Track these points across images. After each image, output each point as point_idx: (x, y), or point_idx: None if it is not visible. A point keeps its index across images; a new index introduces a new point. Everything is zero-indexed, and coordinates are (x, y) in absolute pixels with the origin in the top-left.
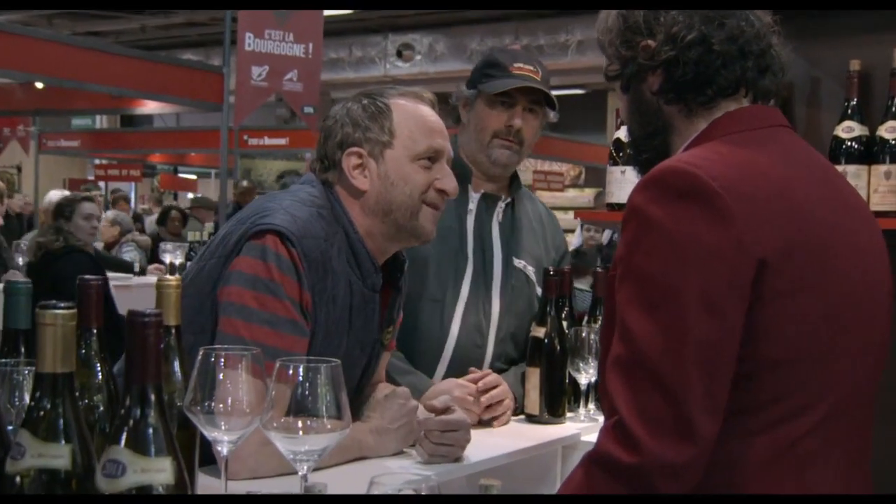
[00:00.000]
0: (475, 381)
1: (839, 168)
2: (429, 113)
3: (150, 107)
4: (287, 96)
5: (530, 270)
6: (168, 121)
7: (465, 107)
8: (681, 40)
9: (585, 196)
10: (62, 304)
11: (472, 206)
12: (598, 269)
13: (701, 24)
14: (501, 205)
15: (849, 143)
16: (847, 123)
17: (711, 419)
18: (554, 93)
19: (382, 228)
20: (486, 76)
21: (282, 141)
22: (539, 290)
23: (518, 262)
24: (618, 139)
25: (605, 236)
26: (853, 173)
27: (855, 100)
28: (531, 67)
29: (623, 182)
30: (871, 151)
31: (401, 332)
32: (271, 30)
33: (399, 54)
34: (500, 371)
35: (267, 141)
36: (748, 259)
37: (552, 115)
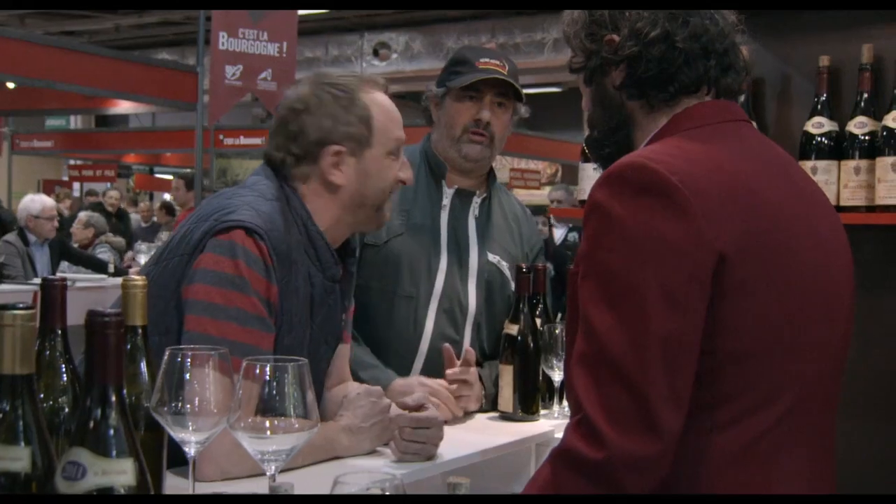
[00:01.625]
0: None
1: (809, 163)
2: (391, 103)
3: (124, 106)
4: (261, 95)
5: (504, 266)
6: (144, 120)
7: (436, 105)
8: (644, 36)
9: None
10: (21, 305)
11: (447, 201)
12: (571, 268)
13: (665, 21)
14: (477, 200)
15: (819, 139)
16: (817, 119)
17: (675, 413)
18: (530, 91)
19: (350, 220)
20: (454, 73)
21: (257, 140)
22: (513, 286)
23: (492, 257)
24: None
25: (559, 234)
26: (823, 168)
27: (825, 95)
28: (497, 62)
29: (595, 179)
30: (840, 147)
31: (374, 328)
32: (245, 29)
33: (375, 53)
34: (477, 365)
35: (243, 140)
36: (708, 253)
37: (523, 111)
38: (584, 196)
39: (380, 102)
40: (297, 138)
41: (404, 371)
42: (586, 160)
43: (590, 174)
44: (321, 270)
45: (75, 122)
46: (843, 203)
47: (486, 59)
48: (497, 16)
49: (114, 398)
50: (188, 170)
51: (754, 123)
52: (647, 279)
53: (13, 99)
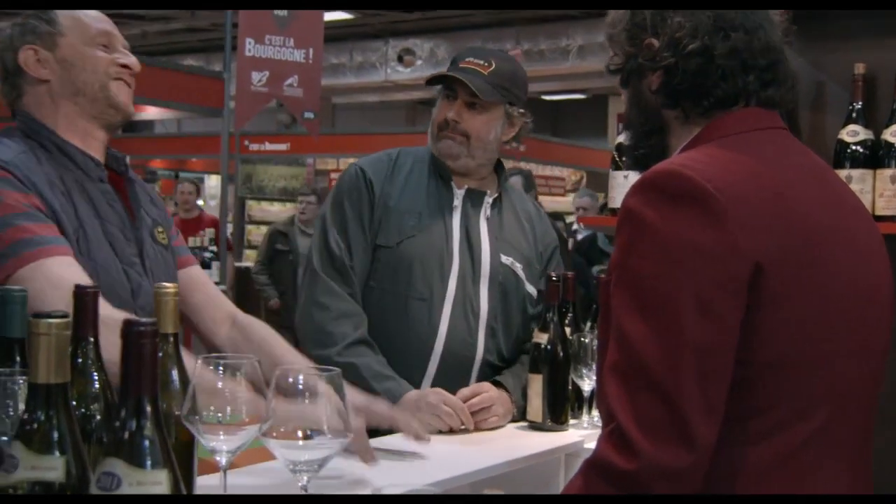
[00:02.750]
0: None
1: (844, 172)
2: (90, 10)
3: (151, 112)
4: (287, 101)
5: (518, 267)
6: (169, 126)
7: (432, 106)
8: (682, 48)
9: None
10: (56, 313)
11: (458, 202)
12: (600, 276)
13: (705, 33)
14: (489, 200)
15: (854, 147)
16: (852, 127)
17: (710, 423)
18: (554, 97)
19: (77, 109)
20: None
21: (282, 146)
22: (528, 287)
23: (505, 259)
24: (620, 144)
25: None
26: (858, 177)
27: (860, 103)
28: (480, 62)
29: (626, 187)
30: (876, 155)
31: (388, 331)
32: (271, 35)
33: (400, 59)
34: (493, 368)
35: (268, 146)
36: (743, 261)
37: (516, 111)
38: (615, 204)
39: (67, 11)
40: (4, 67)
41: (419, 373)
42: (616, 168)
43: (620, 182)
44: (86, 174)
45: None
46: (878, 213)
47: (470, 59)
48: (522, 22)
49: (149, 409)
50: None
51: None
52: (680, 287)
53: None
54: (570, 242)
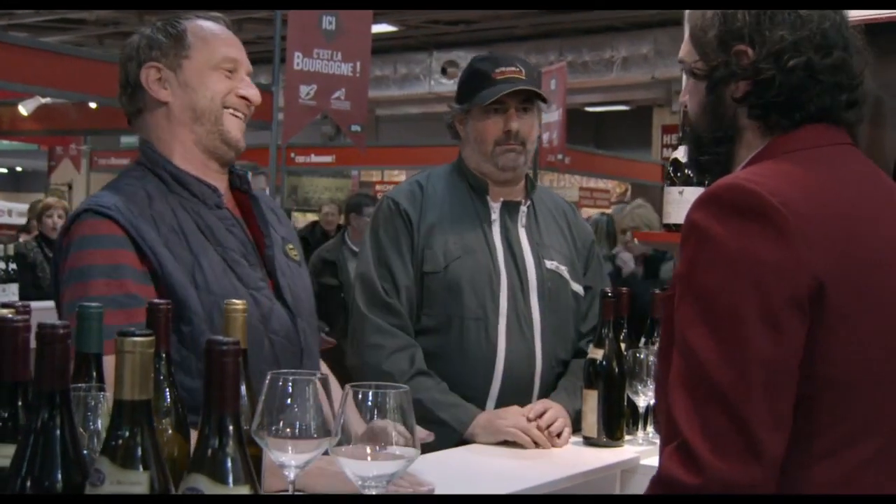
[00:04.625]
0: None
1: None
2: (223, 28)
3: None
4: (334, 115)
5: (563, 270)
6: None
7: (461, 123)
8: (785, 62)
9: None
10: (140, 332)
11: (496, 215)
12: (656, 292)
13: (810, 49)
14: (524, 209)
15: None
16: None
17: (777, 438)
18: (598, 109)
19: (193, 138)
20: (474, 89)
21: (328, 158)
22: (574, 286)
23: (550, 264)
24: (675, 159)
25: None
26: None
27: None
28: (514, 68)
29: (681, 203)
30: None
31: (448, 356)
32: (320, 49)
33: (444, 71)
34: (553, 376)
35: (314, 158)
36: (806, 277)
37: (545, 108)
38: (670, 220)
39: (199, 23)
40: (126, 78)
41: (482, 394)
42: (672, 183)
43: (675, 197)
44: (202, 202)
45: None
46: None
47: (503, 69)
48: (565, 34)
49: (231, 427)
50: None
51: None
52: (746, 301)
53: (93, 118)
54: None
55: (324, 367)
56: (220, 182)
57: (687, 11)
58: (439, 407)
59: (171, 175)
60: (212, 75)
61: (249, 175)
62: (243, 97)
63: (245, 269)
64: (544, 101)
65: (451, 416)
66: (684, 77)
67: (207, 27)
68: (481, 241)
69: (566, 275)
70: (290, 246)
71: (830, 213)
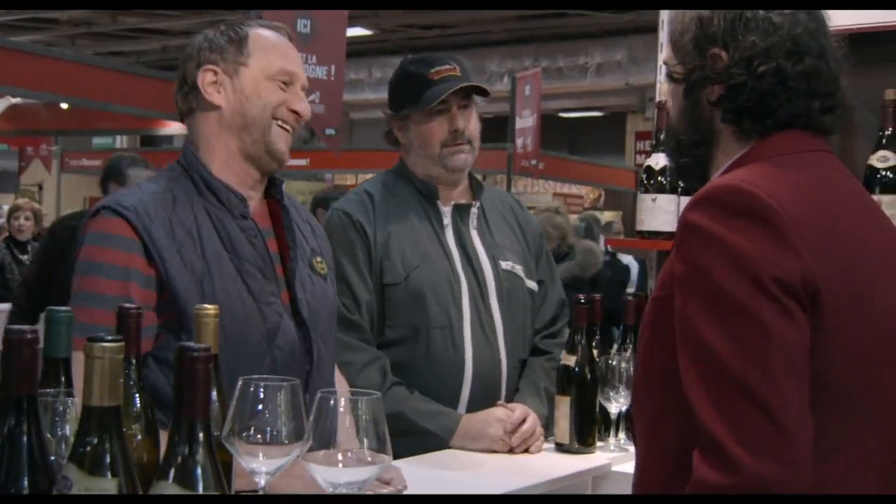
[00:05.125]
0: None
1: (874, 198)
2: (284, 40)
3: (172, 127)
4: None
5: (518, 269)
6: None
7: (401, 129)
8: (755, 67)
9: (605, 219)
10: (109, 337)
11: (448, 220)
12: (629, 298)
13: (780, 56)
14: (474, 211)
15: (884, 173)
16: (882, 153)
17: (805, 425)
18: (573, 115)
19: (239, 145)
20: (412, 92)
21: (302, 161)
22: (529, 283)
23: (505, 265)
24: (648, 167)
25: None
26: (888, 203)
27: (890, 129)
28: (449, 66)
29: (654, 210)
30: None
31: (416, 367)
32: None
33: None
34: (516, 375)
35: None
36: (804, 278)
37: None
38: (643, 226)
39: (261, 32)
40: (184, 77)
41: (452, 401)
42: (645, 191)
43: (648, 205)
44: (228, 210)
45: (121, 141)
46: None
47: (438, 68)
48: (540, 40)
49: (201, 434)
50: None
51: None
52: (755, 293)
53: (64, 119)
54: None
55: (340, 384)
56: (255, 190)
57: (668, 15)
58: (422, 417)
59: (202, 180)
60: (267, 85)
61: None
62: (294, 111)
63: (258, 282)
64: (486, 94)
65: (435, 425)
66: (657, 83)
67: (269, 37)
68: (437, 247)
69: (521, 273)
70: (319, 259)
71: (820, 218)
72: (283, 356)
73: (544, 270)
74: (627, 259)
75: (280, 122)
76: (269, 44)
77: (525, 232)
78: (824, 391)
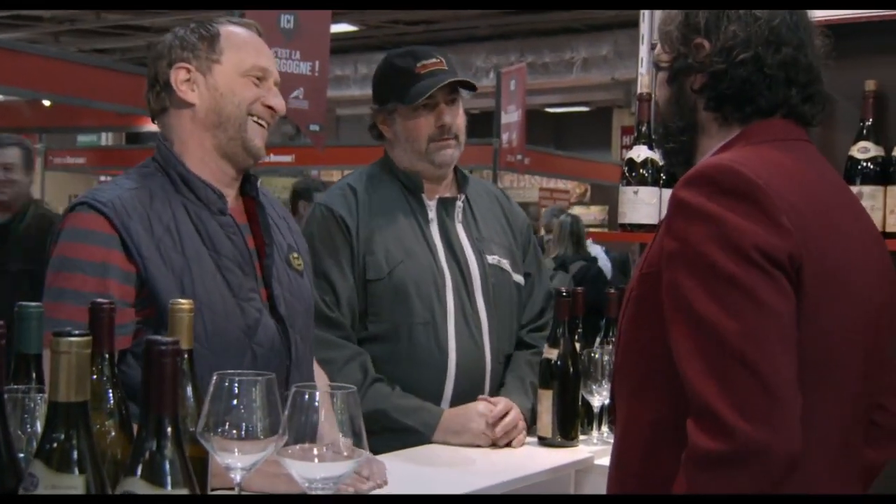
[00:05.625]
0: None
1: (854, 189)
2: (255, 37)
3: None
4: (293, 114)
5: (505, 263)
6: None
7: (386, 123)
8: (734, 56)
9: (591, 213)
10: (76, 332)
11: (433, 214)
12: (611, 291)
13: (758, 44)
14: (460, 204)
15: (864, 164)
16: (862, 144)
17: (796, 393)
18: (558, 110)
19: (214, 143)
20: (398, 86)
21: (287, 158)
22: (515, 278)
23: (491, 259)
24: (630, 159)
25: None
26: (869, 194)
27: (870, 120)
28: (435, 60)
29: (636, 202)
30: (886, 172)
31: (399, 362)
32: (278, 48)
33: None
34: (501, 370)
35: (273, 158)
36: (789, 254)
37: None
38: (625, 219)
39: (232, 29)
40: (156, 76)
41: (435, 397)
42: (627, 183)
43: (630, 197)
44: (205, 206)
45: (106, 139)
46: (888, 229)
47: (424, 62)
48: (525, 35)
49: (169, 429)
50: None
51: None
52: (747, 266)
53: (48, 116)
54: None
55: (319, 380)
56: (231, 187)
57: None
58: (404, 413)
59: (180, 176)
60: (241, 82)
61: None
62: (269, 107)
63: (237, 278)
64: (473, 88)
65: (417, 420)
66: (639, 75)
67: (240, 33)
68: (421, 242)
69: (507, 267)
70: (295, 255)
71: (802, 200)
72: (263, 352)
73: (531, 263)
74: (596, 250)
75: (255, 119)
76: (240, 40)
77: (512, 224)
78: (802, 364)
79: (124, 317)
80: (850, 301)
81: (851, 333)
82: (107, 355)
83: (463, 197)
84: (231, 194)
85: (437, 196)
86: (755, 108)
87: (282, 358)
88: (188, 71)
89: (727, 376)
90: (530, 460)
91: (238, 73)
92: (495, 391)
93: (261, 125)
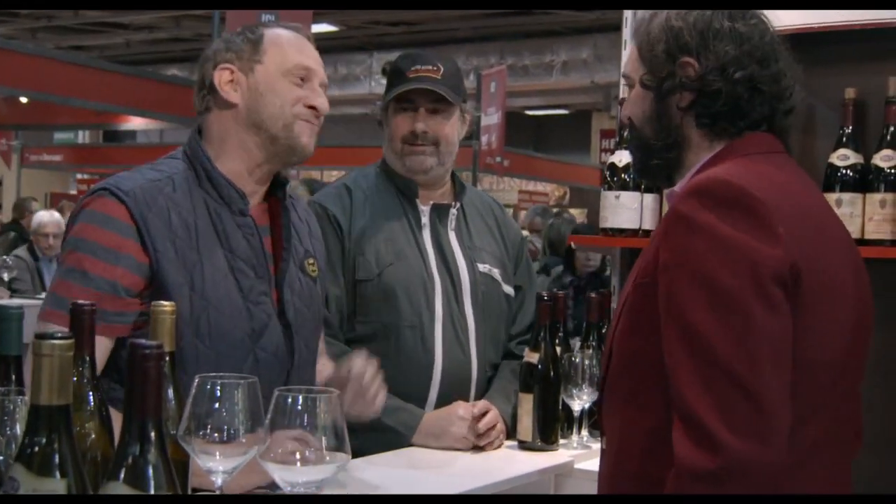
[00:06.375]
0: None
1: (834, 196)
2: (301, 38)
3: (134, 122)
4: None
5: (496, 272)
6: (152, 136)
7: (382, 120)
8: (730, 74)
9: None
10: (59, 334)
11: (426, 219)
12: (592, 295)
13: (752, 62)
14: (454, 212)
15: (844, 171)
16: (842, 151)
17: (787, 412)
18: (537, 112)
19: (258, 142)
20: (390, 85)
21: None
22: (506, 288)
23: (483, 268)
24: (612, 164)
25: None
26: (848, 201)
27: (850, 128)
28: (430, 67)
29: (617, 207)
30: (866, 179)
31: (385, 364)
32: None
33: (384, 72)
34: (487, 379)
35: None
36: (788, 265)
37: (467, 108)
38: (606, 224)
39: (277, 31)
40: (202, 78)
41: (420, 401)
42: (609, 188)
43: (612, 202)
44: (225, 205)
45: (83, 136)
46: (867, 236)
47: (418, 66)
48: (506, 37)
49: (153, 433)
50: None
51: None
52: (744, 282)
53: (24, 113)
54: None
55: (325, 368)
56: (260, 186)
57: (632, 21)
58: (384, 413)
59: (205, 171)
60: (282, 82)
61: None
62: (312, 107)
63: (248, 280)
64: (450, 103)
65: (396, 421)
66: (622, 87)
67: (284, 34)
68: (413, 246)
69: (498, 277)
70: (311, 261)
71: (796, 210)
72: (266, 356)
73: (523, 276)
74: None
75: (302, 118)
76: (283, 40)
77: (505, 237)
78: (799, 367)
79: (127, 306)
80: (842, 301)
81: (846, 341)
82: (87, 357)
83: (458, 205)
84: (258, 193)
85: (431, 202)
86: (748, 122)
87: (284, 363)
88: (231, 72)
89: (719, 392)
90: (510, 464)
91: (280, 73)
92: (480, 398)
93: (309, 122)
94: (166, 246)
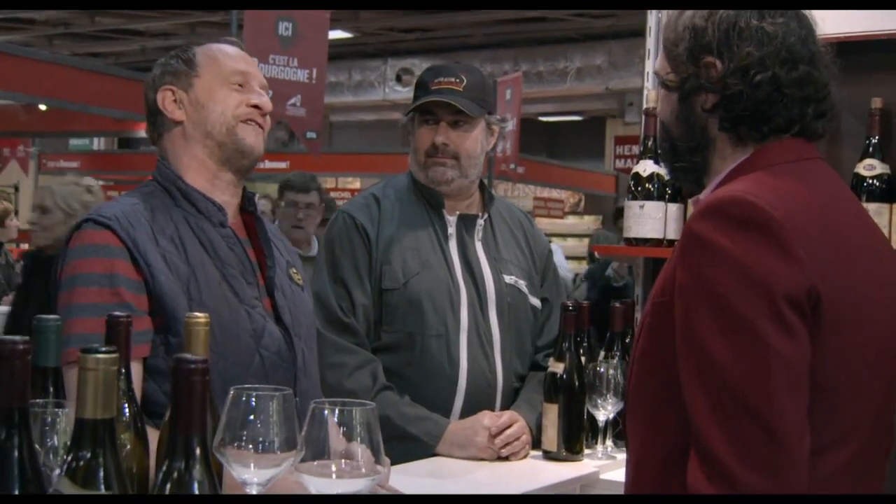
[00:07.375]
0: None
1: None
2: (232, 48)
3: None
4: (290, 121)
5: (522, 284)
6: None
7: (409, 133)
8: (751, 77)
9: (585, 223)
10: (104, 349)
11: (452, 229)
12: (616, 305)
13: (775, 64)
14: (481, 223)
15: (870, 181)
16: (868, 161)
17: (803, 443)
18: (552, 119)
19: (208, 151)
20: (415, 97)
21: (282, 164)
22: (532, 300)
23: (509, 279)
24: (636, 174)
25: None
26: (874, 211)
27: (876, 137)
28: (453, 79)
29: (641, 217)
30: (892, 189)
31: (410, 373)
32: (275, 55)
33: (398, 79)
34: (513, 390)
35: (267, 164)
36: (806, 287)
37: (494, 120)
38: (631, 234)
39: (209, 45)
40: (148, 106)
41: (445, 410)
42: (633, 198)
43: (636, 212)
44: (206, 218)
45: (98, 143)
46: (894, 246)
47: (441, 79)
48: (520, 44)
49: (198, 449)
50: None
51: None
52: (759, 306)
53: (43, 121)
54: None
55: None
56: (232, 199)
57: (656, 23)
58: (408, 421)
59: (180, 191)
60: (222, 90)
61: None
62: (255, 105)
63: (241, 286)
64: (466, 115)
65: (421, 430)
66: (645, 90)
67: (216, 46)
68: (439, 256)
69: (524, 289)
70: (294, 270)
71: (820, 226)
72: (270, 356)
73: (550, 289)
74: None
75: (244, 121)
76: (216, 52)
77: (532, 249)
78: (820, 392)
79: (140, 324)
80: (871, 317)
81: (873, 362)
82: (123, 369)
83: (486, 216)
84: (232, 205)
85: (457, 212)
86: (772, 126)
87: (289, 364)
88: (173, 92)
89: (732, 421)
90: (535, 474)
91: (218, 83)
92: (506, 409)
93: (251, 125)
94: (157, 260)
